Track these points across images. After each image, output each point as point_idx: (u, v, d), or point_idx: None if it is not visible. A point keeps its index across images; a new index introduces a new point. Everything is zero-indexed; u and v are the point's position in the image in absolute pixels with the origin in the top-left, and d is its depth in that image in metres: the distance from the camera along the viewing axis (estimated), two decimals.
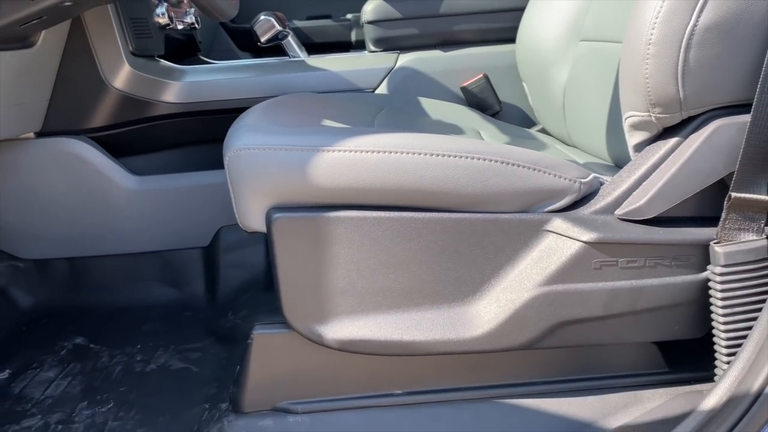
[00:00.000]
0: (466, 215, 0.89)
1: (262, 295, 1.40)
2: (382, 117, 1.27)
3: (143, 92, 1.44)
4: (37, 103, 1.37)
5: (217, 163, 1.54)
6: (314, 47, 2.66)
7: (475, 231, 0.89)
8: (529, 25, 1.42)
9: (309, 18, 2.73)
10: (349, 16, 2.61)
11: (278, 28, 1.53)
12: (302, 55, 1.60)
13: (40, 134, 1.42)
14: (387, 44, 1.54)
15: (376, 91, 1.51)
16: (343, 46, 2.54)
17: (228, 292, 1.48)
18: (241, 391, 0.97)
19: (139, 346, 1.31)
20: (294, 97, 1.29)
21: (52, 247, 1.50)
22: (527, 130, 1.43)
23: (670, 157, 0.88)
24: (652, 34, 0.82)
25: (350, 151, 0.86)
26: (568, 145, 1.34)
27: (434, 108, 1.41)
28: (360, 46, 2.14)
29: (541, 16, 1.38)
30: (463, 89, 1.49)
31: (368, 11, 1.51)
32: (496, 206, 0.89)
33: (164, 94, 1.46)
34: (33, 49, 1.23)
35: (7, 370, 1.25)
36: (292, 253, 0.89)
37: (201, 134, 1.55)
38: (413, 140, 0.88)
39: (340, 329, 0.91)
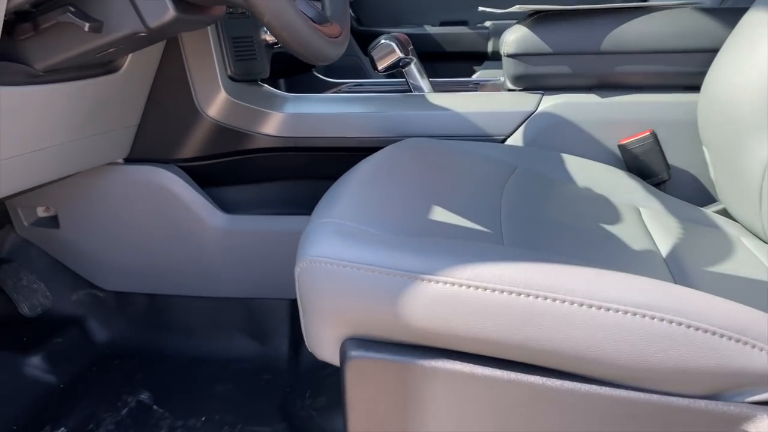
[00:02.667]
0: (622, 392, 0.61)
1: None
2: (514, 184, 1.00)
3: (239, 123, 1.26)
4: (126, 130, 1.22)
5: (315, 205, 1.35)
6: (444, 57, 2.42)
7: (634, 415, 0.61)
8: (723, 73, 1.08)
9: (443, 24, 2.48)
10: (487, 24, 2.33)
11: (399, 55, 1.30)
12: (425, 87, 1.35)
13: (127, 160, 1.29)
14: (529, 82, 1.26)
15: (511, 139, 1.23)
16: (478, 57, 2.27)
17: (312, 359, 1.28)
18: None
19: (203, 419, 1.15)
20: (410, 150, 1.05)
21: (133, 280, 1.38)
22: (703, 211, 1.10)
23: None
24: None
25: (459, 285, 0.61)
26: (762, 240, 1.00)
27: (582, 170, 1.12)
28: (496, 57, 1.85)
29: (742, 62, 1.03)
30: (622, 147, 1.18)
31: (510, 42, 1.23)
32: (669, 385, 0.61)
33: (263, 125, 1.27)
34: (118, 74, 1.08)
35: (66, 427, 1.13)
36: (369, 403, 0.66)
37: (301, 170, 1.36)
38: (557, 276, 0.61)
39: None
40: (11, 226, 1.37)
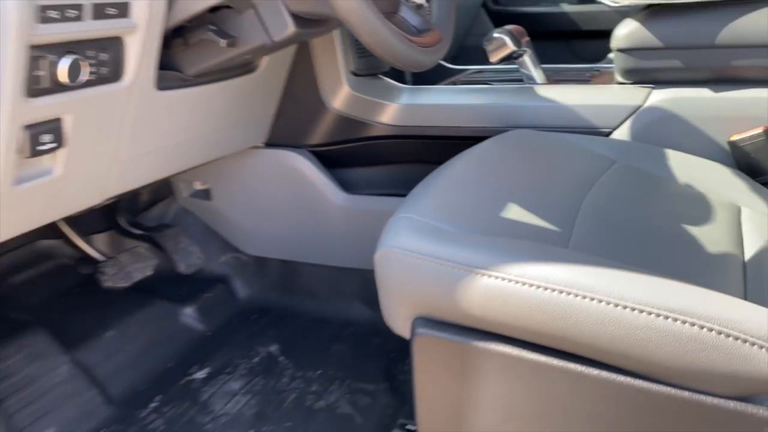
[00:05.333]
0: (655, 386, 0.67)
1: None
2: (610, 177, 1.04)
3: (360, 113, 1.40)
4: (263, 120, 1.41)
5: None
6: (580, 35, 2.39)
7: (665, 409, 0.67)
8: None
9: (581, 1, 2.43)
10: (625, 1, 2.25)
11: (511, 48, 1.35)
12: (537, 78, 1.40)
13: (267, 145, 1.48)
14: (640, 76, 1.26)
15: (617, 133, 1.25)
16: None
17: None
18: None
19: (319, 372, 1.33)
20: (511, 142, 1.12)
21: (269, 247, 1.59)
22: None
23: None
24: None
25: (508, 280, 0.70)
26: None
27: (685, 166, 1.13)
28: None
29: None
30: (732, 144, 1.16)
31: (620, 37, 1.24)
32: (700, 384, 0.66)
33: (381, 115, 1.40)
34: (256, 73, 1.26)
35: (207, 369, 1.35)
36: (432, 373, 0.78)
37: (416, 155, 1.47)
38: (596, 277, 0.68)
39: None
40: (173, 198, 1.63)
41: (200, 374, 1.33)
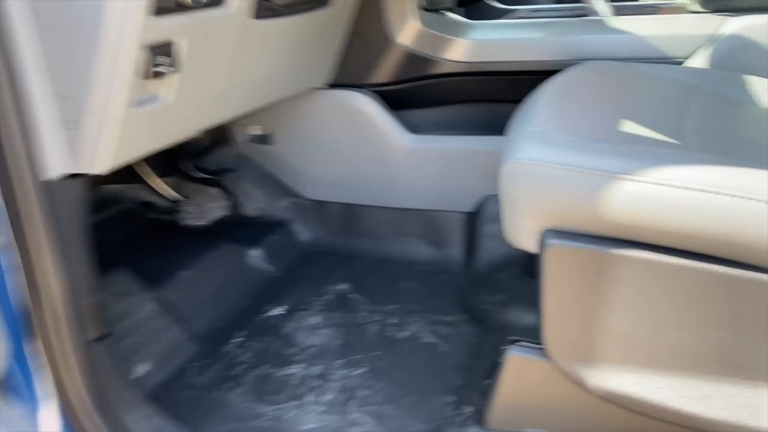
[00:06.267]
0: None
1: (520, 281, 1.33)
2: (698, 104, 1.05)
3: (428, 49, 1.40)
4: (329, 59, 1.41)
5: (494, 128, 1.47)
6: None
7: None
8: None
9: None
10: None
11: None
12: (603, 11, 1.40)
13: (330, 86, 1.48)
14: (717, 4, 1.26)
15: (690, 61, 1.26)
16: None
17: (486, 263, 1.44)
18: (488, 407, 0.93)
19: (396, 306, 1.35)
20: (591, 72, 1.13)
21: (330, 190, 1.59)
22: None
23: None
24: None
25: (657, 184, 0.71)
26: None
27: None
28: None
29: None
30: None
31: None
32: None
33: (449, 51, 1.40)
34: (328, 7, 1.25)
35: (285, 306, 1.37)
36: (564, 284, 0.79)
37: (483, 94, 1.47)
38: (739, 176, 0.70)
39: (608, 377, 0.80)
40: (232, 143, 1.63)
41: (278, 311, 1.35)
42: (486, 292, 1.34)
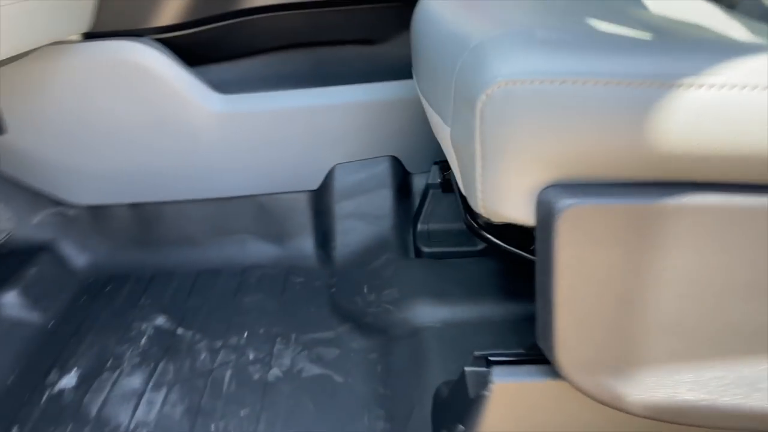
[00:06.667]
0: None
1: (404, 266, 1.03)
2: None
3: None
4: None
5: (331, 78, 1.13)
6: None
7: None
8: None
9: None
10: None
11: None
12: None
13: (88, 35, 1.01)
14: None
15: None
16: None
17: (349, 251, 1.11)
18: None
19: (246, 334, 0.96)
20: None
21: (109, 188, 1.13)
22: None
23: None
24: None
25: (720, 87, 0.46)
26: None
27: None
28: None
29: None
30: None
31: None
32: None
33: None
34: None
35: (75, 369, 0.91)
36: (586, 262, 0.51)
37: (300, 34, 1.12)
38: None
39: (654, 388, 0.54)
40: None
41: (67, 380, 0.88)
42: (365, 288, 1.02)
